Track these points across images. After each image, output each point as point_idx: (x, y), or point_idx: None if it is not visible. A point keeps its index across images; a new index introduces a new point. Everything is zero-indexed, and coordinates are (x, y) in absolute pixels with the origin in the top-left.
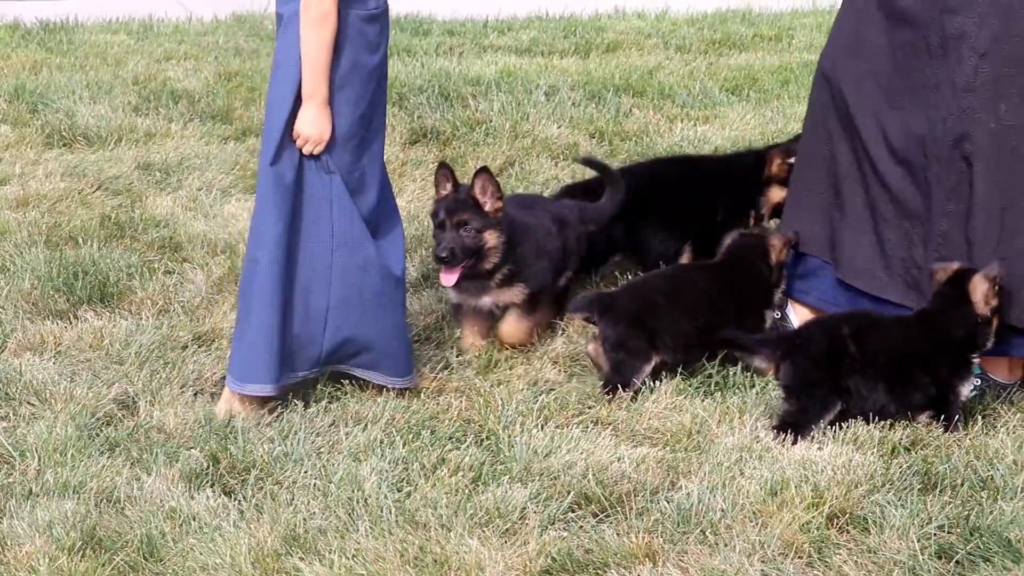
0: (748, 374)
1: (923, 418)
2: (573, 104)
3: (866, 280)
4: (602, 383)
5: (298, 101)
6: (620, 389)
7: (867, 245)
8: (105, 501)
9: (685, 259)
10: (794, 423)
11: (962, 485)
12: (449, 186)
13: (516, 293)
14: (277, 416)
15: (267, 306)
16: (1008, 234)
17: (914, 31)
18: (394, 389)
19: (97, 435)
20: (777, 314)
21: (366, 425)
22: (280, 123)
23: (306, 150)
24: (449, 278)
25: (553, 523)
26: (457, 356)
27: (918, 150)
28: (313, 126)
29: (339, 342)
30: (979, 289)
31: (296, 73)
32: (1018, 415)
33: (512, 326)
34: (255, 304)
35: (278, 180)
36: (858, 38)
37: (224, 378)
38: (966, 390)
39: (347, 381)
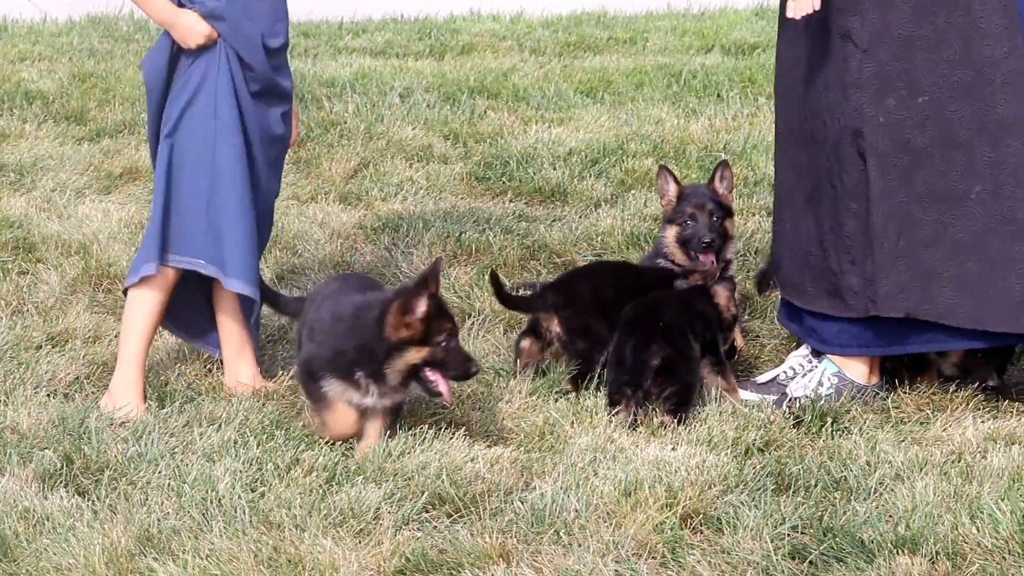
0: (600, 373)
1: None
2: (428, 106)
3: (799, 296)
4: (571, 375)
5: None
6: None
7: (797, 259)
8: None
9: None
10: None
11: (816, 486)
12: (673, 185)
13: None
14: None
15: None
16: (907, 228)
17: (812, 37)
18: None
19: None
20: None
21: (220, 426)
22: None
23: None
24: (709, 259)
25: (407, 523)
26: None
27: (823, 155)
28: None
29: None
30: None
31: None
32: (871, 416)
33: None
34: None
35: None
36: (778, 57)
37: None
38: None
39: (202, 383)
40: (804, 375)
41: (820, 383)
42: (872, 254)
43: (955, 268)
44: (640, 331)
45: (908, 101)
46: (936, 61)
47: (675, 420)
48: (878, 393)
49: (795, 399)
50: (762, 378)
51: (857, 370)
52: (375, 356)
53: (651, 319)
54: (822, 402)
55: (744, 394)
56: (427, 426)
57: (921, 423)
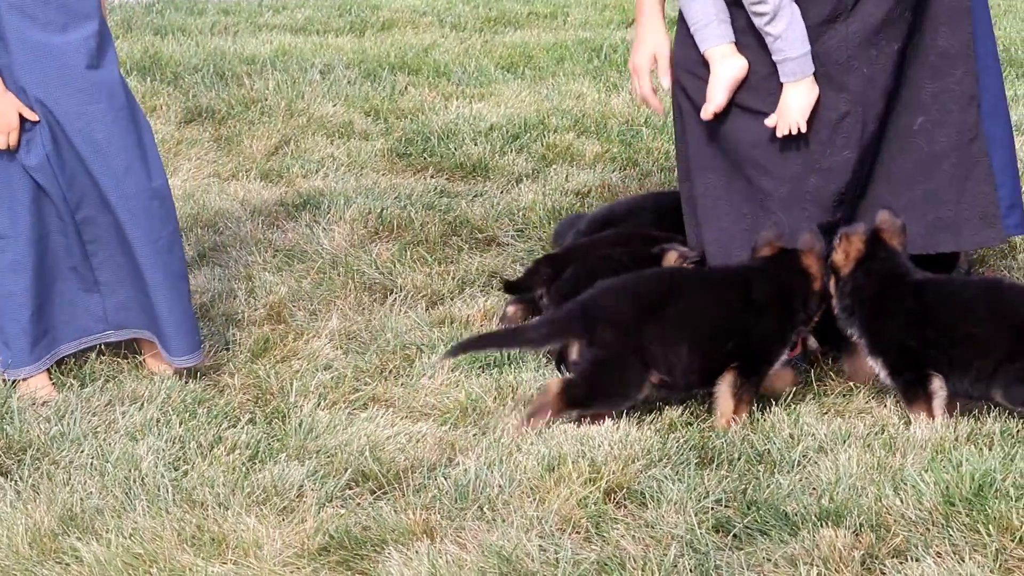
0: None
1: None
2: (348, 82)
3: None
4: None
5: None
6: None
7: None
8: None
9: None
10: None
11: (739, 459)
12: None
13: None
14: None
15: None
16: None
17: None
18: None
19: None
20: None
21: (142, 404)
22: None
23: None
24: None
25: (331, 500)
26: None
27: None
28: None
29: None
30: None
31: None
32: (794, 390)
33: None
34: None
35: None
36: None
37: None
38: None
39: (124, 362)
40: None
41: None
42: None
43: (904, 199)
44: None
45: None
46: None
47: None
48: (799, 364)
49: None
50: None
51: None
52: None
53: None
54: None
55: None
56: (350, 403)
57: (843, 395)
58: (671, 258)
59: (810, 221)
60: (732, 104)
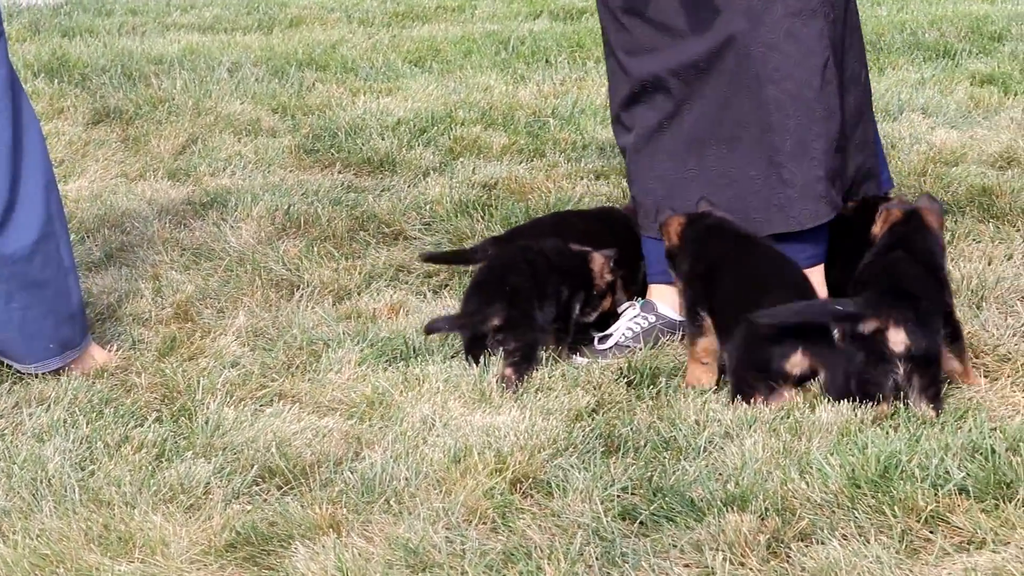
0: (425, 340)
1: None
2: (256, 80)
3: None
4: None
5: None
6: None
7: None
8: None
9: None
10: None
11: (645, 447)
12: None
13: None
14: None
15: None
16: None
17: None
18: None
19: None
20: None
21: (49, 406)
22: None
23: None
24: None
25: (238, 497)
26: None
27: None
28: None
29: None
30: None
31: None
32: None
33: None
34: None
35: None
36: None
37: None
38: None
39: None
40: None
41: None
42: None
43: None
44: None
45: None
46: None
47: (517, 375)
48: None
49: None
50: (602, 344)
51: (670, 300)
52: None
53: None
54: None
55: (579, 359)
56: (257, 399)
57: None
58: (597, 261)
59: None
60: None
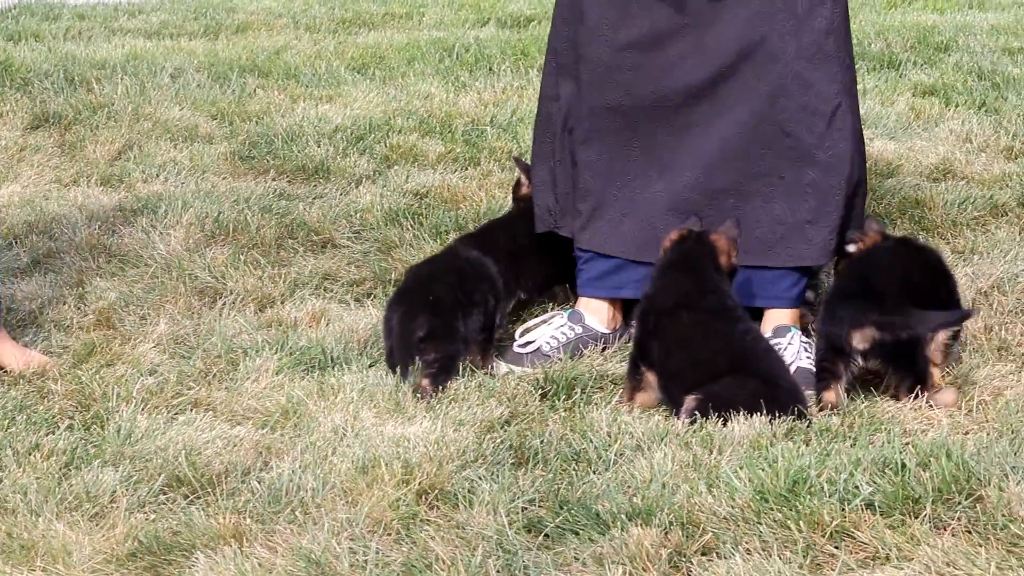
0: (346, 350)
1: None
2: (198, 86)
3: None
4: None
5: None
6: None
7: None
8: None
9: None
10: None
11: (555, 459)
12: None
13: None
14: None
15: None
16: None
17: None
18: None
19: None
20: None
21: None
22: None
23: None
24: None
25: (143, 506)
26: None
27: None
28: None
29: None
30: None
31: None
32: (619, 387)
33: None
34: None
35: None
36: None
37: None
38: None
39: None
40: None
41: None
42: None
43: None
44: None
45: None
46: None
47: (433, 386)
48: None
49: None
50: (523, 348)
51: (598, 314)
52: None
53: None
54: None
55: (502, 367)
56: (171, 408)
57: None
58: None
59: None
60: None
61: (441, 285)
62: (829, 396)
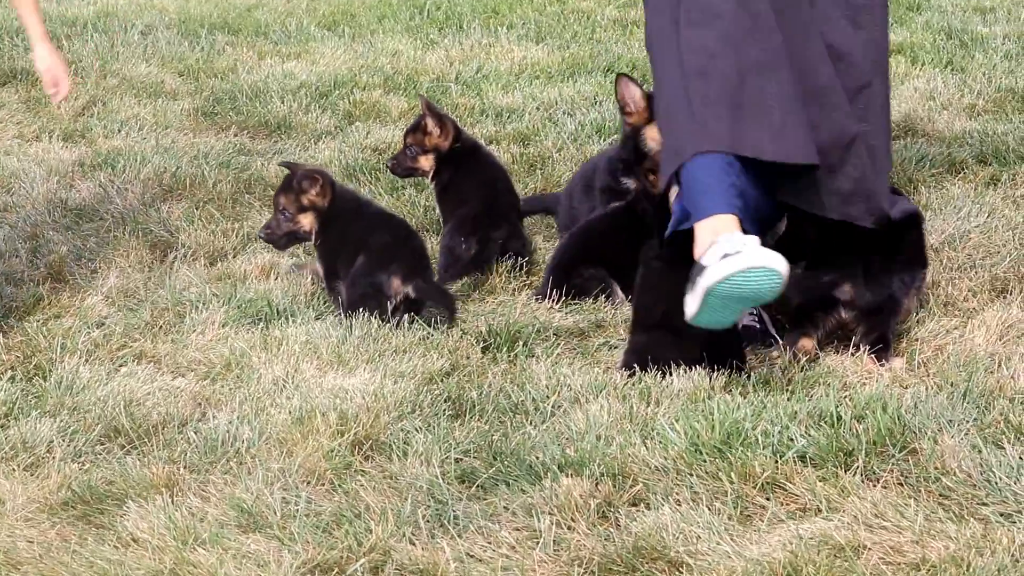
0: (293, 303)
1: None
2: (168, 43)
3: None
4: None
5: None
6: None
7: None
8: None
9: None
10: None
11: (492, 411)
12: (637, 88)
13: None
14: None
15: None
16: None
17: None
18: None
19: None
20: None
21: None
22: None
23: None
24: None
25: (79, 456)
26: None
27: None
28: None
29: None
30: None
31: None
32: (561, 340)
33: None
34: None
35: None
36: None
37: None
38: None
39: None
40: None
41: None
42: None
43: None
44: None
45: None
46: None
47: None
48: None
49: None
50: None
51: None
52: None
53: None
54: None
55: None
56: (116, 359)
57: (612, 349)
58: None
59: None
60: None
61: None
62: (807, 344)
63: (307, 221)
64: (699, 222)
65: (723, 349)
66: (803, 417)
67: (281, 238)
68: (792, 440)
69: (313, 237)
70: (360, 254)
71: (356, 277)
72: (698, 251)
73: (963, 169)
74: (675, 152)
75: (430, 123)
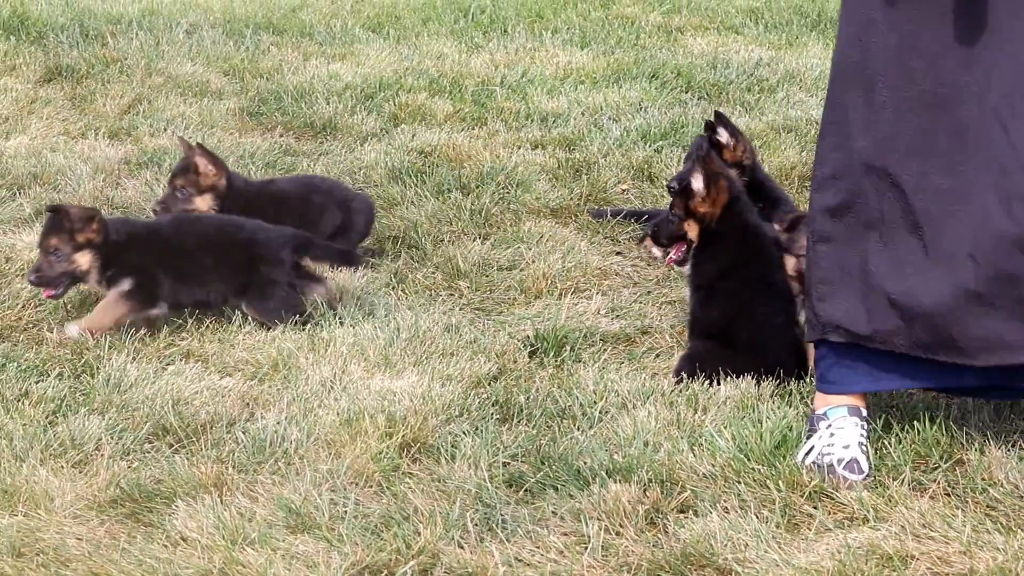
0: (341, 304)
1: None
2: (212, 42)
3: None
4: None
5: None
6: None
7: None
8: None
9: None
10: None
11: (540, 415)
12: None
13: None
14: None
15: None
16: None
17: None
18: None
19: None
20: None
21: None
22: None
23: None
24: None
25: (128, 454)
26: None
27: None
28: None
29: None
30: None
31: None
32: (608, 346)
33: None
34: None
35: None
36: None
37: None
38: None
39: None
40: None
41: None
42: None
43: None
44: None
45: None
46: None
47: None
48: None
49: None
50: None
51: None
52: None
53: None
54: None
55: None
56: (163, 358)
57: (658, 355)
58: None
59: None
60: None
61: None
62: None
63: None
64: None
65: (784, 361)
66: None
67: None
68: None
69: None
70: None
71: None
72: None
73: None
74: None
75: (201, 163)
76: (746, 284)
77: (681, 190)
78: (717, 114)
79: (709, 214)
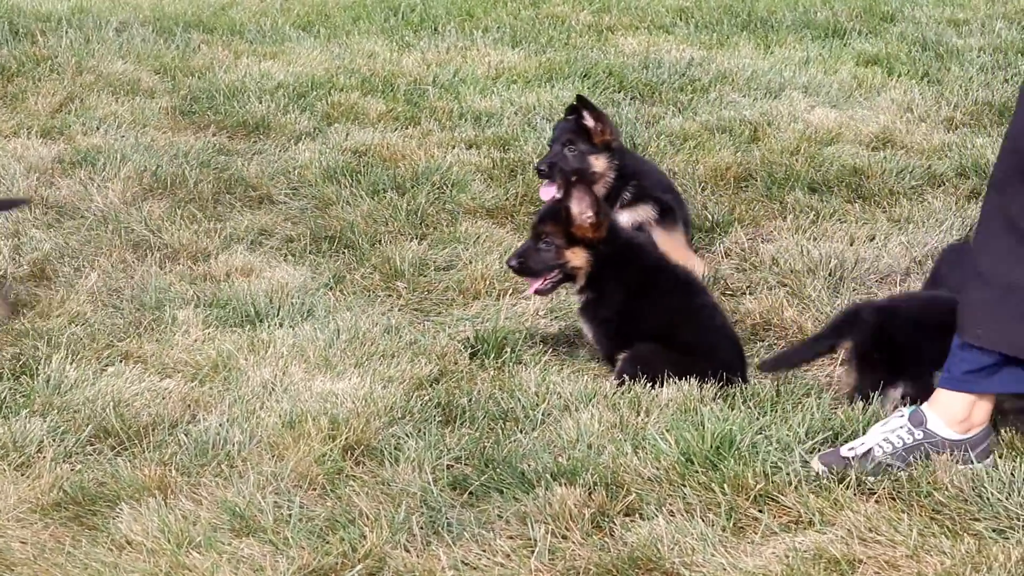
0: (275, 305)
1: None
2: (143, 40)
3: None
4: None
5: None
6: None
7: None
8: None
9: None
10: None
11: (483, 418)
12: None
13: None
14: None
15: None
16: None
17: None
18: None
19: None
20: None
21: None
22: None
23: None
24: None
25: (70, 456)
26: None
27: None
28: None
29: None
30: None
31: None
32: (548, 347)
33: None
34: None
35: None
36: None
37: None
38: None
39: None
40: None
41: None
42: None
43: None
44: None
45: None
46: None
47: None
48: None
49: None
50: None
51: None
52: None
53: None
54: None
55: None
56: (101, 359)
57: (598, 357)
58: None
59: None
60: None
61: None
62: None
63: None
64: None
65: (727, 364)
66: (796, 430)
67: None
68: (786, 452)
69: None
70: None
71: None
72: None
73: (943, 182)
74: None
75: None
76: (671, 294)
77: (551, 217)
78: (579, 97)
79: (597, 237)
